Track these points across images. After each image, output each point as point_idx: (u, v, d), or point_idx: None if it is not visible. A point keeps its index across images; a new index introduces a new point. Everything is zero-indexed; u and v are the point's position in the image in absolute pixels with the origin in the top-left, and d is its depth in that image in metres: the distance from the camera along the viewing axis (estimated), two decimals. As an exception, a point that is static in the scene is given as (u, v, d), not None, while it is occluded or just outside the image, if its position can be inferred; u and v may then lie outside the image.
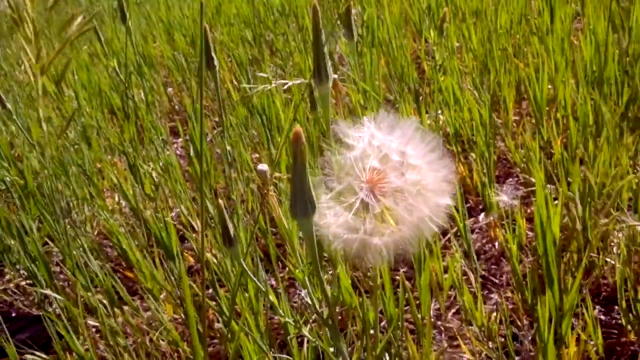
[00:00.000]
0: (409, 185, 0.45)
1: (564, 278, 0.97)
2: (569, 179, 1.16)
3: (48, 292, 1.26)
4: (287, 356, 0.85)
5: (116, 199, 1.70)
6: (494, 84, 1.56)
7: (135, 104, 1.78)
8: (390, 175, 0.45)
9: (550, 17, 1.68)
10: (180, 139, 1.96)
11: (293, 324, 0.71)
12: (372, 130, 0.47)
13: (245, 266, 0.59)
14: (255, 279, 0.63)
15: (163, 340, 1.19)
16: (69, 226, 1.46)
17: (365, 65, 1.56)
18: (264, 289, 0.74)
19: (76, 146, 1.77)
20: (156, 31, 2.82)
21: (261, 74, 1.39)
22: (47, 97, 2.31)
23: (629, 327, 0.96)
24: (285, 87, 1.04)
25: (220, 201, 0.57)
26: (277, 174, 1.03)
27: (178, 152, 1.93)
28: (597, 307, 1.07)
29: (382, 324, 1.10)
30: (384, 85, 1.78)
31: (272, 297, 0.67)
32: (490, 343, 1.01)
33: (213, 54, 0.92)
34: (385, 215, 0.45)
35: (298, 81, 0.88)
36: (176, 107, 2.21)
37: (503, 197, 1.21)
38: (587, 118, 1.27)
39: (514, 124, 1.55)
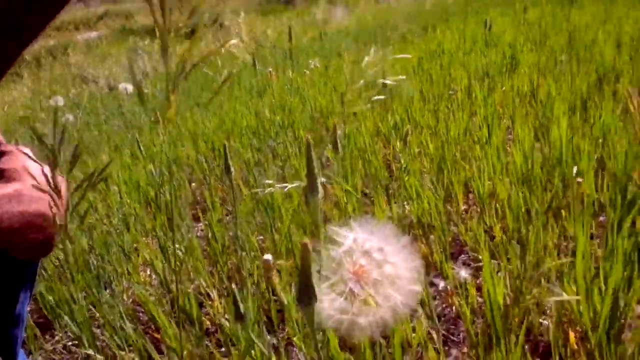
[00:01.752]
0: (386, 277, 0.46)
1: (508, 337, 0.96)
2: (508, 256, 1.17)
3: (90, 352, 1.23)
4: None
5: (148, 273, 1.68)
6: (447, 181, 1.60)
7: (167, 197, 1.79)
8: (372, 268, 0.46)
9: (488, 131, 1.74)
10: (200, 224, 1.96)
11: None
12: (356, 230, 0.48)
13: (253, 337, 0.59)
14: (260, 345, 0.62)
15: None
16: (109, 296, 1.43)
17: (347, 168, 1.59)
18: (266, 353, 0.72)
19: (118, 230, 1.76)
20: (184, 139, 2.88)
21: (266, 181, 1.42)
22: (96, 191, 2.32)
23: (563, 378, 0.94)
24: (286, 189, 1.06)
25: (233, 285, 0.57)
26: (279, 262, 1.04)
27: (199, 234, 1.92)
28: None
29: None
30: (360, 183, 1.82)
31: None
32: (451, 393, 0.98)
33: (230, 163, 0.95)
34: (368, 301, 0.45)
35: (296, 184, 0.90)
36: (198, 198, 2.23)
37: (461, 271, 1.22)
38: (519, 209, 1.29)
39: (464, 212, 1.57)
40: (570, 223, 1.27)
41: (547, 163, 1.44)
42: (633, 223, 1.01)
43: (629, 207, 0.96)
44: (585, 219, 1.04)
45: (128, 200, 1.98)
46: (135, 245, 1.80)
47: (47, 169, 0.74)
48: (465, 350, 1.13)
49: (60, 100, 3.56)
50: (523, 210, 1.30)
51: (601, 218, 1.43)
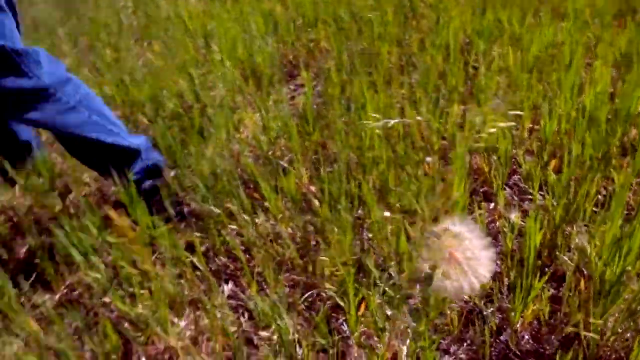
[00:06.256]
0: (468, 257, 0.74)
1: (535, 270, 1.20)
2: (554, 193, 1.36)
3: (209, 206, 1.50)
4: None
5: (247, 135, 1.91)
6: (518, 100, 1.70)
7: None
8: (459, 251, 0.74)
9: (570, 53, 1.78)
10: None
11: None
12: (448, 226, 0.75)
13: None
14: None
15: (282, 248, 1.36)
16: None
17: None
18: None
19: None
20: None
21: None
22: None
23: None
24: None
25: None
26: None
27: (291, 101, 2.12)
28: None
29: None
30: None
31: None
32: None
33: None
34: (456, 270, 0.74)
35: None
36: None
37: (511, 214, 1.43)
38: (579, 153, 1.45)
39: (528, 132, 1.69)
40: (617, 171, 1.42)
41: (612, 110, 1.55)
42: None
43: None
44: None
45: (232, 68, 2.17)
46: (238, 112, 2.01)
47: None
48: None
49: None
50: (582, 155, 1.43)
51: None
